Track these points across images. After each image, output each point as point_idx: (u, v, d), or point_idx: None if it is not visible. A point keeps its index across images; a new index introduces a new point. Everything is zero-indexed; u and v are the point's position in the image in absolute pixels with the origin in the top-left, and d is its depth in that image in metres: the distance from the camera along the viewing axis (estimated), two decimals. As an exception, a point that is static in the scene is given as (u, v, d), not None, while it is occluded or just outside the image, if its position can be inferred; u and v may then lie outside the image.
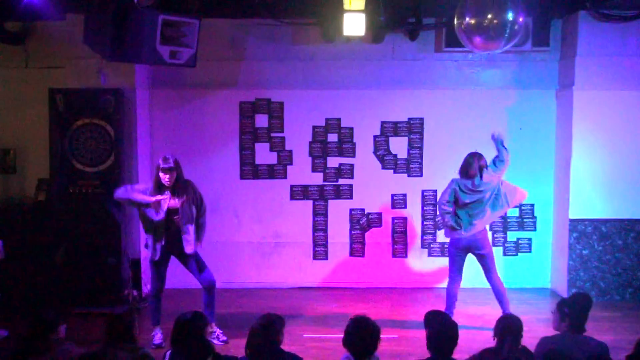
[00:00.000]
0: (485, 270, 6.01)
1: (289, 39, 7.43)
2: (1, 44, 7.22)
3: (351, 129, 7.56)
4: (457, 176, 5.98)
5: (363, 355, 3.49)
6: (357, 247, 7.66)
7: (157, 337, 5.67)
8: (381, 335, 3.55)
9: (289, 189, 7.60)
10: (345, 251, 7.66)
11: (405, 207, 7.60)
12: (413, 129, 7.55)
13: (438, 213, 6.30)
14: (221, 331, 5.81)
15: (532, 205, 7.57)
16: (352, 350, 3.51)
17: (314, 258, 7.66)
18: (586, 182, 7.10)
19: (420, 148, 7.56)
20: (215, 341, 5.52)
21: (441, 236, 7.62)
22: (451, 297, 6.06)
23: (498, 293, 5.98)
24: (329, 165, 7.59)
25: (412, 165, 7.57)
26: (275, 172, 7.58)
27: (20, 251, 6.68)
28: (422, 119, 7.53)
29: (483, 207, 5.87)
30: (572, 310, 3.96)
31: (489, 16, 4.82)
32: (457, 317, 5.77)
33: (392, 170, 7.59)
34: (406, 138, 7.56)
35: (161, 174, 5.46)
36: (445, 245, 7.59)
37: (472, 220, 5.88)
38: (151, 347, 5.46)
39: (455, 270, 6.06)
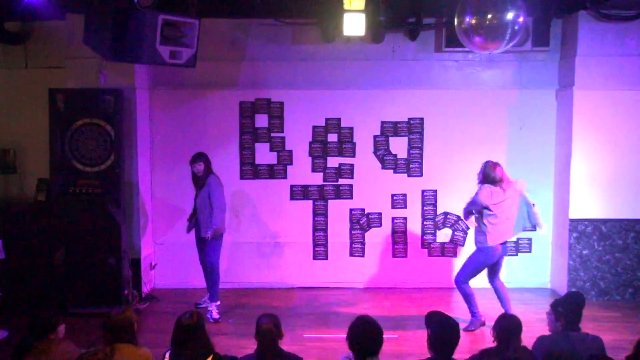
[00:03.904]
0: (496, 272, 6.21)
1: (289, 39, 7.43)
2: (1, 44, 7.22)
3: (351, 129, 7.56)
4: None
5: (366, 355, 3.48)
6: (357, 247, 7.66)
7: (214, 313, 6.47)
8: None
9: (289, 189, 7.59)
10: (345, 251, 7.66)
11: (405, 207, 7.60)
12: (413, 129, 7.54)
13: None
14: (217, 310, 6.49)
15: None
16: (355, 350, 3.50)
17: (314, 258, 7.66)
18: (586, 182, 7.09)
19: (420, 148, 7.55)
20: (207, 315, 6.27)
21: (441, 236, 7.63)
22: (472, 294, 6.20)
23: (503, 293, 6.14)
24: (329, 165, 7.59)
25: (412, 165, 7.57)
26: (275, 172, 7.57)
27: (20, 251, 6.68)
28: (422, 119, 7.53)
29: None
30: (566, 309, 4.01)
31: (489, 16, 4.82)
32: (457, 317, 5.81)
33: (392, 170, 7.59)
34: (406, 138, 7.55)
35: None
36: (446, 245, 7.61)
37: None
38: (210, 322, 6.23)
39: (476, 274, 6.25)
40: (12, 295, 6.50)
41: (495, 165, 6.00)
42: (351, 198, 7.61)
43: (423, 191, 7.60)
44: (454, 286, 6.37)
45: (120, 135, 6.75)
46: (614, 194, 7.08)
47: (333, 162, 7.59)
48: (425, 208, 7.61)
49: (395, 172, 7.58)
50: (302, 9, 6.95)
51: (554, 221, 7.54)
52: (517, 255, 7.59)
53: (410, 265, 7.65)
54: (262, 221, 7.60)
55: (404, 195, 7.59)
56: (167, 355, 3.72)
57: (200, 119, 7.48)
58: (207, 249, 6.47)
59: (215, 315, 6.43)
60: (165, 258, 7.57)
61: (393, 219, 7.61)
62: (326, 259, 7.65)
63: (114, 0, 5.30)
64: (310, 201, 7.61)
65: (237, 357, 3.82)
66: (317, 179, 7.59)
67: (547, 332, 4.16)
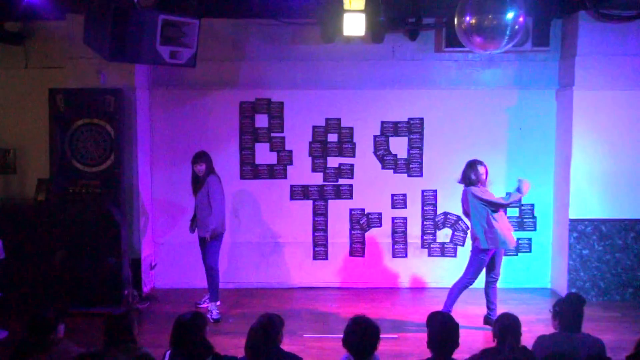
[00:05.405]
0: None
1: (289, 39, 7.43)
2: (1, 44, 7.22)
3: (351, 129, 7.56)
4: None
5: (363, 355, 3.49)
6: (357, 247, 7.66)
7: (215, 312, 6.49)
8: (381, 335, 3.55)
9: (289, 189, 7.59)
10: (345, 251, 7.66)
11: (405, 207, 7.60)
12: (413, 129, 7.54)
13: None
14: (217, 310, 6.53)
15: (532, 205, 7.56)
16: (352, 351, 3.51)
17: (314, 258, 7.66)
18: (586, 182, 7.09)
19: (420, 148, 7.55)
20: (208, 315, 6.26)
21: (441, 236, 7.63)
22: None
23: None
24: (329, 165, 7.59)
25: (412, 165, 7.57)
26: (275, 172, 7.57)
27: (20, 251, 6.68)
28: (422, 119, 7.53)
29: None
30: (562, 309, 4.04)
31: (489, 16, 4.82)
32: (457, 317, 5.79)
33: (392, 170, 7.59)
34: (406, 138, 7.55)
35: None
36: (446, 245, 7.62)
37: None
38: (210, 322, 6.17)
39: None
40: (12, 295, 6.50)
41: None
42: (351, 198, 7.61)
43: (423, 191, 7.60)
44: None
45: (120, 135, 6.75)
46: (614, 194, 7.08)
47: (333, 162, 7.59)
48: (425, 208, 7.61)
49: (395, 172, 7.58)
50: (302, 9, 6.94)
51: (554, 221, 7.54)
52: (517, 255, 7.59)
53: (410, 265, 7.65)
54: (262, 221, 7.60)
55: (404, 195, 7.59)
56: (167, 355, 3.72)
57: (200, 119, 7.48)
58: (207, 249, 6.48)
59: (215, 315, 6.44)
60: (165, 258, 7.58)
61: (393, 219, 7.61)
62: (326, 259, 7.65)
63: (114, 0, 5.30)
64: (310, 201, 7.61)
65: (237, 357, 3.82)
66: (317, 179, 7.59)
67: (547, 332, 4.16)
